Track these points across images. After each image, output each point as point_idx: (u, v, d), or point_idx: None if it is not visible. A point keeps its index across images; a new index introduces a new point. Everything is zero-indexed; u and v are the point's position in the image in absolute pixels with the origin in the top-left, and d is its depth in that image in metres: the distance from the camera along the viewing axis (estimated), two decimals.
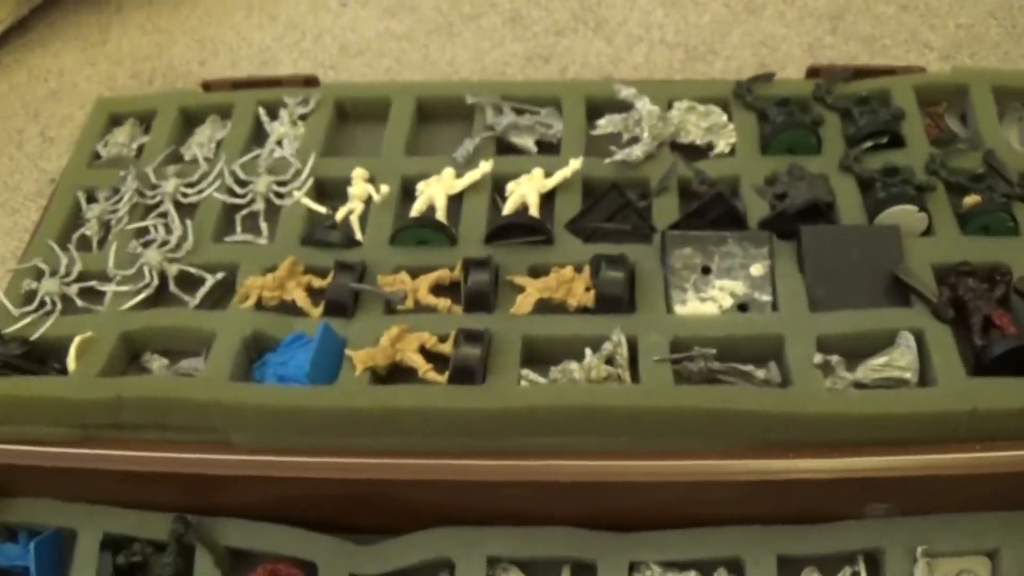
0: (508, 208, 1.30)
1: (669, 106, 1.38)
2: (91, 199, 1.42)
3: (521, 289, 1.21)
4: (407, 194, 1.35)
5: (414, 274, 1.24)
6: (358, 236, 1.31)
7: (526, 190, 1.30)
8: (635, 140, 1.35)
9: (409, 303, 1.22)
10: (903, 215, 1.23)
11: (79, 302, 1.30)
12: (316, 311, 1.23)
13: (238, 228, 1.35)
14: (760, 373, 1.13)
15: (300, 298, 1.24)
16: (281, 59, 1.66)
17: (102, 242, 1.38)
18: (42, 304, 1.30)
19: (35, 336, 1.25)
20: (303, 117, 1.46)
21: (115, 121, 1.53)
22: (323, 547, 1.18)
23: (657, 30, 1.61)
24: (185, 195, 1.38)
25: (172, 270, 1.29)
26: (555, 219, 1.29)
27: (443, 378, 1.15)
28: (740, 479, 1.10)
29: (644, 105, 1.35)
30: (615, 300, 1.18)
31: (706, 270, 1.21)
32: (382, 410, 1.13)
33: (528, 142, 1.39)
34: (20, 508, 1.24)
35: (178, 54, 1.73)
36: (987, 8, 1.65)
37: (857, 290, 1.19)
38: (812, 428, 1.10)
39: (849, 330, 1.16)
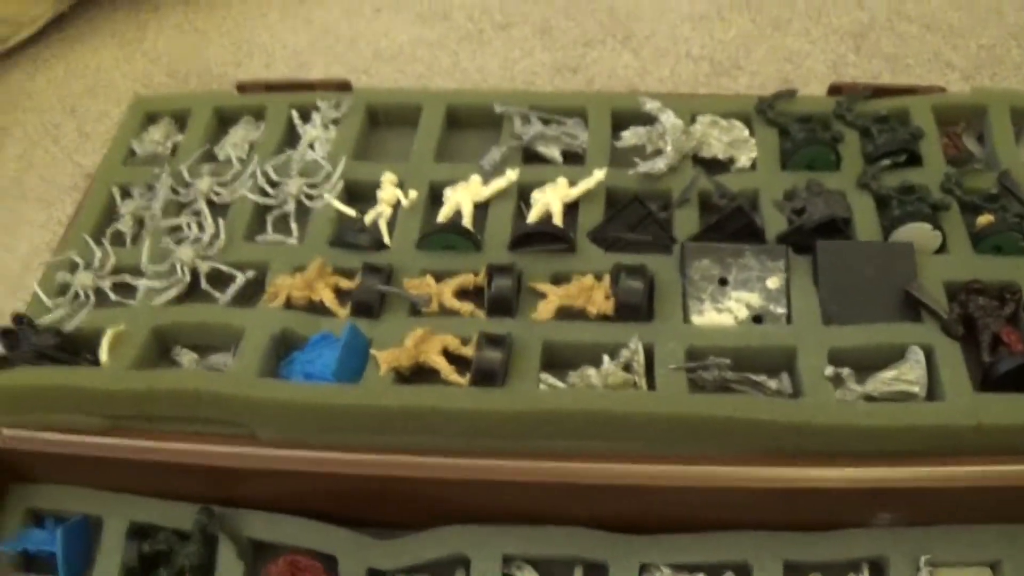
0: (532, 216, 1.33)
1: (692, 120, 1.41)
2: (126, 195, 1.45)
3: (543, 295, 1.24)
4: (435, 199, 1.37)
5: (439, 278, 1.27)
6: (386, 239, 1.33)
7: (550, 199, 1.33)
8: (658, 153, 1.37)
9: (434, 306, 1.24)
10: (917, 232, 1.26)
11: (112, 296, 1.33)
12: (343, 311, 1.26)
13: (269, 228, 1.38)
14: (772, 383, 1.16)
15: (328, 298, 1.27)
16: (314, 63, 1.69)
17: (136, 238, 1.40)
18: (75, 296, 1.33)
19: (69, 327, 1.29)
20: (335, 121, 1.48)
21: (151, 119, 1.56)
22: (343, 540, 1.20)
23: (683, 44, 1.63)
24: (218, 194, 1.41)
25: (204, 267, 1.32)
26: (578, 228, 1.32)
27: (465, 380, 1.18)
28: (750, 486, 1.13)
29: (668, 118, 1.38)
30: (634, 308, 1.21)
31: (723, 282, 1.24)
32: (405, 409, 1.16)
33: (554, 152, 1.42)
34: (48, 495, 1.27)
35: (213, 55, 1.76)
36: (1009, 30, 1.67)
37: (870, 305, 1.21)
38: (821, 438, 1.13)
39: (860, 343, 1.19)
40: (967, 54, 1.64)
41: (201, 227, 1.37)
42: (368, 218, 1.36)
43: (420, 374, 1.21)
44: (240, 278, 1.32)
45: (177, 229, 1.38)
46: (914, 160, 1.37)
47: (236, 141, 1.50)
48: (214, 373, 1.23)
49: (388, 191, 1.37)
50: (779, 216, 1.31)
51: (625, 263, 1.25)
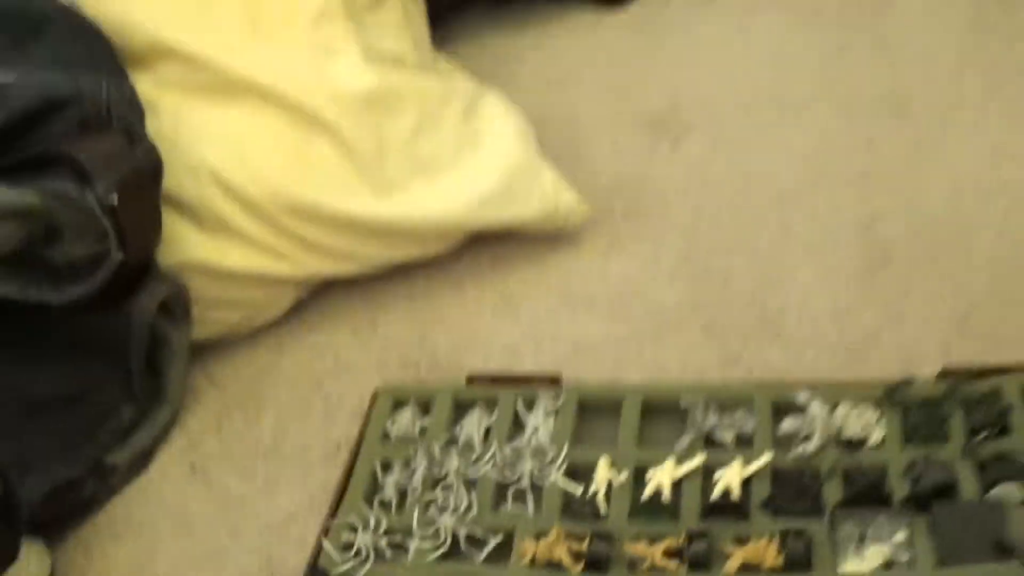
0: (716, 492, 1.65)
1: (834, 407, 1.72)
2: (386, 468, 1.75)
3: (729, 554, 1.57)
4: (637, 476, 1.71)
5: (649, 542, 1.59)
6: (602, 510, 1.67)
7: (729, 478, 1.65)
8: (808, 437, 1.69)
9: (648, 564, 1.56)
10: (1007, 492, 1.55)
11: (388, 553, 1.62)
12: (577, 567, 1.57)
13: (509, 501, 1.71)
14: None
15: (566, 559, 1.58)
16: (525, 353, 1.98)
17: (398, 507, 1.71)
18: (358, 553, 1.62)
19: None
20: (551, 413, 1.82)
21: (397, 404, 1.86)
22: None
23: (823, 335, 1.92)
24: (465, 474, 1.75)
25: (462, 531, 1.65)
26: (751, 498, 1.64)
27: None
28: None
29: (815, 408, 1.71)
30: (798, 562, 1.53)
31: (862, 538, 1.55)
32: None
33: (728, 437, 1.75)
34: None
35: (439, 344, 2.05)
36: None
37: (971, 549, 1.49)
38: None
39: None
40: None
41: (457, 498, 1.72)
42: (592, 493, 1.68)
43: None
44: (492, 540, 1.63)
45: (433, 501, 1.73)
46: (1005, 430, 1.64)
47: (473, 425, 1.83)
48: None
49: (603, 471, 1.69)
50: (903, 485, 1.60)
51: (790, 527, 1.57)
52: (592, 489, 1.71)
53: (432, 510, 1.72)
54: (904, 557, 1.54)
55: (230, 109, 2.12)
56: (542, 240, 2.29)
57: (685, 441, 1.75)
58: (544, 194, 2.22)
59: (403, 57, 2.31)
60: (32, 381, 1.89)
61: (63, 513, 1.96)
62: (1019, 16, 2.59)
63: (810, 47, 2.70)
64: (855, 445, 1.71)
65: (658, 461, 1.72)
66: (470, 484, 1.76)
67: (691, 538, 1.59)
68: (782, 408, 1.77)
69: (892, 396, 1.75)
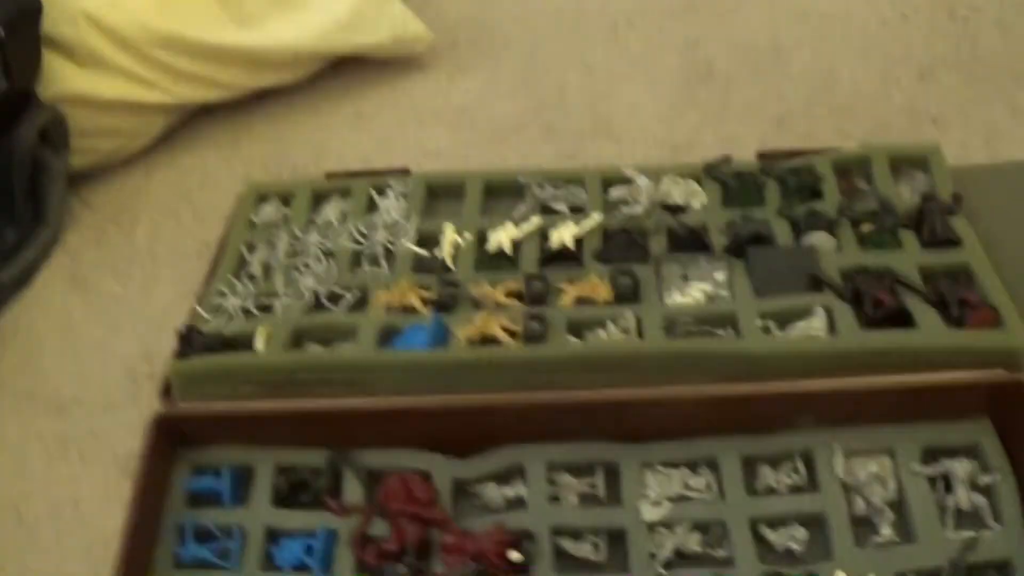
0: (552, 244, 1.80)
1: (659, 180, 1.88)
2: (251, 250, 1.87)
3: (564, 291, 1.72)
4: (481, 240, 1.85)
5: (492, 285, 1.74)
6: (451, 266, 1.81)
7: (564, 234, 1.79)
8: (636, 203, 1.84)
9: (490, 302, 1.70)
10: (818, 238, 1.73)
11: (256, 312, 1.74)
12: (427, 310, 1.69)
13: (365, 266, 1.84)
14: (721, 332, 1.64)
15: (416, 302, 1.69)
16: (377, 160, 2.09)
17: (264, 278, 1.81)
18: (228, 315, 1.74)
19: (227, 332, 1.69)
20: (403, 195, 1.95)
21: (262, 198, 1.98)
22: (435, 461, 1.56)
23: (652, 134, 2.09)
24: (323, 245, 1.85)
25: (323, 290, 1.77)
26: (584, 251, 1.80)
27: (517, 341, 1.61)
28: (712, 395, 1.55)
29: (642, 180, 1.86)
30: (626, 295, 1.69)
31: (685, 278, 1.71)
32: (478, 360, 1.59)
33: (563, 207, 1.89)
34: (209, 454, 1.62)
35: (297, 157, 2.19)
36: (896, 109, 2.18)
37: (786, 284, 1.66)
38: (757, 363, 1.56)
39: (782, 307, 1.62)
40: (863, 128, 2.11)
41: (317, 265, 1.84)
42: (438, 253, 1.80)
43: (484, 343, 1.62)
44: (350, 295, 1.77)
45: (297, 268, 1.84)
46: (817, 196, 1.84)
47: (331, 211, 1.96)
48: (345, 346, 1.67)
49: (449, 236, 1.83)
50: (723, 238, 1.77)
51: (619, 268, 1.74)
52: (440, 252, 1.85)
53: (294, 276, 1.84)
54: (724, 292, 1.71)
55: None
56: (391, 65, 2.48)
57: (523, 209, 1.90)
58: (392, 23, 2.44)
59: None
60: None
61: None
62: None
63: None
64: (678, 210, 1.88)
65: (499, 226, 1.87)
66: (329, 254, 1.88)
67: (529, 280, 1.74)
68: (612, 183, 1.93)
69: (712, 171, 1.93)
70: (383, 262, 1.82)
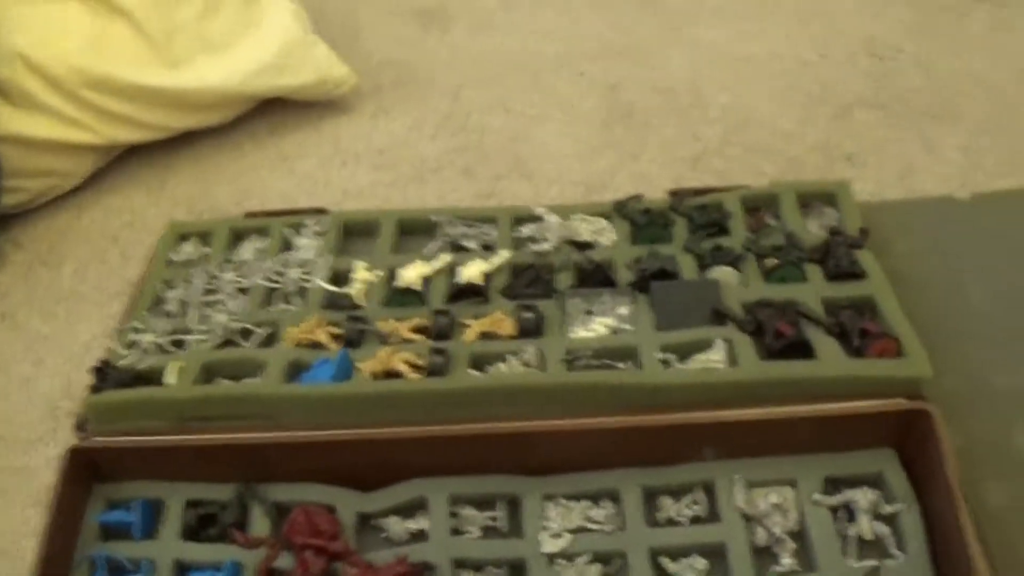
0: (460, 280, 1.82)
1: (567, 218, 1.91)
2: (169, 287, 1.89)
3: (469, 326, 1.74)
4: (392, 277, 1.86)
5: (399, 321, 1.76)
6: (362, 303, 1.83)
7: (472, 271, 1.81)
8: (545, 240, 1.87)
9: (396, 337, 1.72)
10: (722, 273, 1.76)
11: (171, 349, 1.76)
12: (335, 346, 1.72)
13: (278, 303, 1.86)
14: (621, 365, 1.65)
15: (324, 338, 1.71)
16: (299, 200, 2.14)
17: (179, 315, 1.84)
18: (143, 351, 1.76)
19: (140, 367, 1.71)
20: (319, 234, 1.97)
21: (182, 238, 2.01)
22: (339, 494, 1.58)
23: (567, 174, 2.12)
24: (239, 283, 1.87)
25: (235, 326, 1.79)
26: (491, 288, 1.82)
27: (420, 375, 1.62)
28: (613, 427, 1.54)
29: (551, 218, 1.89)
30: (530, 330, 1.71)
31: (589, 312, 1.73)
32: (380, 394, 1.60)
33: (473, 244, 1.91)
34: (121, 489, 1.64)
35: (221, 197, 2.21)
36: (808, 146, 2.22)
37: (689, 318, 1.68)
38: (656, 394, 1.56)
39: (683, 340, 1.63)
40: (778, 166, 2.15)
41: (230, 303, 1.86)
42: (349, 291, 1.81)
43: (388, 376, 1.63)
44: (260, 331, 1.78)
45: (212, 304, 1.86)
46: (725, 232, 1.86)
47: (248, 249, 1.98)
48: (253, 381, 1.69)
49: (360, 273, 1.84)
50: (629, 274, 1.79)
51: (524, 304, 1.75)
52: (350, 288, 1.87)
53: (208, 312, 1.86)
54: (627, 326, 1.73)
55: (39, 5, 2.35)
56: (316, 108, 2.52)
57: (434, 247, 1.93)
58: (317, 65, 2.49)
59: None
60: None
61: None
62: None
63: None
64: (587, 247, 1.91)
65: (410, 263, 1.89)
66: (242, 292, 1.91)
67: (436, 315, 1.77)
68: (523, 221, 1.97)
69: (621, 209, 1.96)
70: (296, 299, 1.84)
